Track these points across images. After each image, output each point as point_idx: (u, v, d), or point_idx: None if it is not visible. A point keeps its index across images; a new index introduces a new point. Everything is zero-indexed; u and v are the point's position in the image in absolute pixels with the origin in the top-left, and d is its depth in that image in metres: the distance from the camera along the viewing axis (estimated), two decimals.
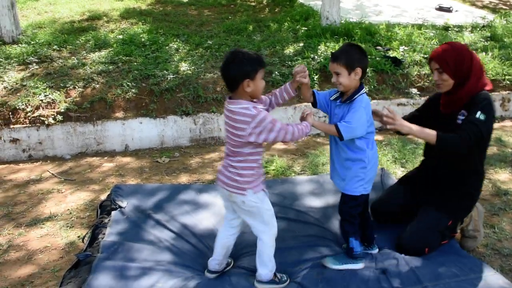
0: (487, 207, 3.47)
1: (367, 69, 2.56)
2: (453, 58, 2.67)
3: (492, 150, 4.60)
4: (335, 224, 3.09)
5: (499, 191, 3.76)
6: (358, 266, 2.59)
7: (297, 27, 7.36)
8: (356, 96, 2.47)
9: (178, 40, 6.67)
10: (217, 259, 2.55)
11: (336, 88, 2.60)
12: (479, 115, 2.56)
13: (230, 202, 2.44)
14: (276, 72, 5.61)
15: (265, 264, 2.45)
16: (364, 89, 2.52)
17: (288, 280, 2.50)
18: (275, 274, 2.48)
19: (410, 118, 3.08)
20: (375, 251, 2.80)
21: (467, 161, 2.77)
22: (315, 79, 5.57)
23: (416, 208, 2.92)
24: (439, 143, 2.58)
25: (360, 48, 2.52)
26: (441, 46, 2.79)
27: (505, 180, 4.00)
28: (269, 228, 2.43)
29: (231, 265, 2.67)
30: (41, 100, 4.78)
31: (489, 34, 7.36)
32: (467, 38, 7.15)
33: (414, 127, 2.60)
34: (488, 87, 2.72)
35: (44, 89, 4.91)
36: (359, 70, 2.45)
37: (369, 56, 6.08)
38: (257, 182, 2.37)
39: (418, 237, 2.76)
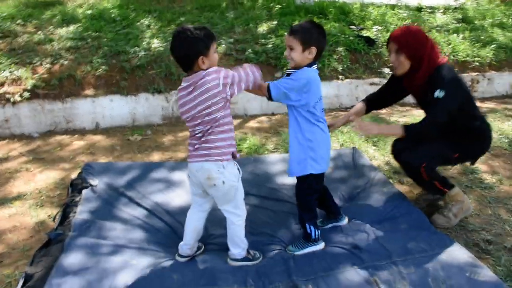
0: (455, 184, 3.57)
1: (323, 52, 2.53)
2: (411, 40, 2.76)
3: None
4: None
5: (466, 169, 3.86)
6: (319, 247, 2.61)
7: (271, 4, 7.29)
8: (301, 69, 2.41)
9: (150, 16, 6.51)
10: (189, 244, 2.50)
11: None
12: (437, 94, 2.67)
13: (204, 187, 2.35)
14: (250, 50, 5.57)
15: (238, 244, 2.45)
16: (315, 66, 2.45)
17: (261, 257, 2.52)
18: (248, 251, 2.49)
19: (376, 98, 3.23)
20: (344, 222, 2.84)
21: (460, 125, 2.86)
22: None
23: None
24: (407, 135, 2.77)
25: (321, 28, 2.45)
26: (400, 29, 2.88)
27: None
28: (240, 210, 2.43)
29: (202, 249, 2.61)
30: (6, 77, 4.61)
31: (460, 16, 7.48)
32: (439, 19, 7.24)
33: (381, 128, 3.09)
34: (443, 61, 2.81)
35: (8, 65, 4.74)
36: (314, 50, 2.37)
37: (342, 35, 6.11)
38: (233, 150, 2.33)
39: (417, 152, 2.88)
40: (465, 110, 2.85)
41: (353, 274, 2.34)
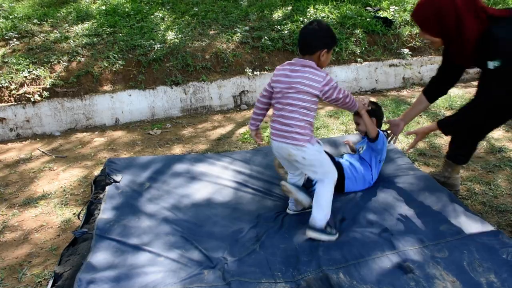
0: (483, 164, 3.47)
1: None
2: (430, 15, 2.30)
3: None
4: None
5: (493, 148, 3.76)
6: None
7: None
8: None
9: (163, 9, 6.48)
10: (292, 201, 2.78)
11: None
12: (491, 65, 2.17)
13: (288, 161, 2.54)
14: (266, 37, 5.49)
15: (323, 209, 2.48)
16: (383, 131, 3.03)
17: (337, 235, 2.52)
18: (328, 224, 2.50)
19: (435, 86, 2.89)
20: None
21: None
22: None
23: None
24: (444, 131, 2.65)
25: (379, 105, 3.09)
26: (418, 2, 2.39)
27: (499, 137, 3.99)
28: (331, 175, 2.52)
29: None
30: (25, 77, 4.64)
31: None
32: None
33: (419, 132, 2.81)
34: (501, 13, 2.22)
35: (27, 65, 4.77)
36: (374, 120, 2.94)
37: (359, 18, 5.99)
38: (313, 134, 2.47)
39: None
40: None
41: (385, 260, 2.28)
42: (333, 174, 2.54)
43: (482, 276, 2.16)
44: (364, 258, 2.30)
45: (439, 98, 2.97)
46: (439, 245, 2.37)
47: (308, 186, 2.85)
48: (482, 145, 3.80)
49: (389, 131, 3.10)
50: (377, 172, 3.11)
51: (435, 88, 2.89)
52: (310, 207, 2.62)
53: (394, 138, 3.11)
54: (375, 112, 2.99)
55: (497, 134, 4.04)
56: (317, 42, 2.39)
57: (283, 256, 2.40)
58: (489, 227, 2.53)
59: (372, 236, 2.49)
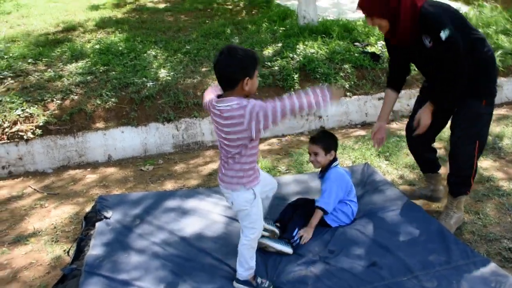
0: (471, 194, 3.50)
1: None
2: None
3: None
4: None
5: (482, 178, 3.80)
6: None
7: (275, 27, 7.37)
8: (328, 170, 3.03)
9: (156, 47, 6.62)
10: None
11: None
12: (443, 36, 2.48)
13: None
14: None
15: (241, 264, 2.46)
16: (336, 161, 3.05)
17: (271, 287, 2.47)
18: (254, 277, 2.47)
19: (395, 77, 3.12)
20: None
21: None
22: (295, 78, 5.58)
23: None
24: (438, 103, 2.76)
25: (334, 136, 3.11)
26: None
27: (487, 167, 4.04)
28: (253, 231, 2.41)
29: (276, 235, 2.80)
30: (19, 115, 4.69)
31: None
32: None
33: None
34: (419, 2, 2.59)
35: (20, 103, 4.83)
36: (333, 153, 3.01)
37: (347, 53, 6.13)
38: (251, 179, 2.31)
39: (465, 137, 2.82)
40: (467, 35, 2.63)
41: None
42: (254, 232, 2.41)
43: None
44: None
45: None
46: (428, 275, 2.38)
47: (289, 238, 2.84)
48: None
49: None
50: (354, 200, 3.11)
51: (396, 80, 3.12)
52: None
53: (381, 143, 3.21)
54: (332, 144, 3.02)
55: (486, 164, 4.09)
56: (234, 75, 2.10)
57: None
58: (478, 256, 2.56)
59: (361, 267, 2.50)
